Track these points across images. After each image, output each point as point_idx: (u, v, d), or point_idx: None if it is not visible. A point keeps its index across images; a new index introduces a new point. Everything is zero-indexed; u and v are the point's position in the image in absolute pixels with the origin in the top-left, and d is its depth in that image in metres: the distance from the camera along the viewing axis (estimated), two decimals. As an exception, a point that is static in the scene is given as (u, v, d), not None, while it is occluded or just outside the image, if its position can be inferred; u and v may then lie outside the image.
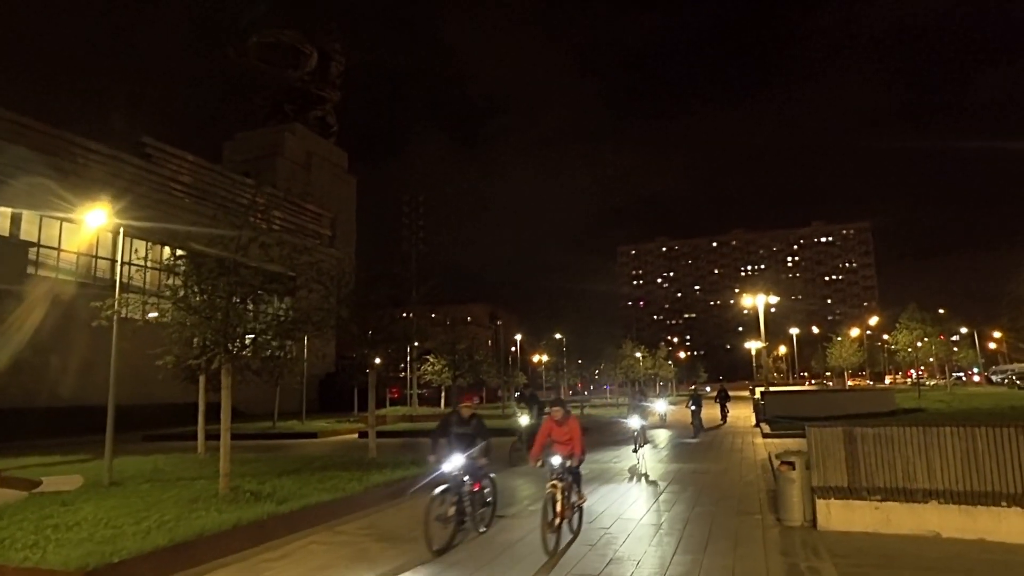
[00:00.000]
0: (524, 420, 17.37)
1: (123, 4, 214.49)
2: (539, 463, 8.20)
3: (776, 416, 24.83)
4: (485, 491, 8.84)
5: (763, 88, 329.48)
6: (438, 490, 7.95)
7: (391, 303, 19.26)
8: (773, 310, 52.74)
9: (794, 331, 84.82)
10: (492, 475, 9.12)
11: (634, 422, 16.78)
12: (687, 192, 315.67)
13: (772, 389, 37.11)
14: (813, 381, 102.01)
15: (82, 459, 17.94)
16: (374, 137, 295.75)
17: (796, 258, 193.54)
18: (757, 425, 26.43)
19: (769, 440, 20.57)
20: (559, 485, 7.75)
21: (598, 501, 11.06)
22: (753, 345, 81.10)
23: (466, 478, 8.35)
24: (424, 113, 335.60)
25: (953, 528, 7.73)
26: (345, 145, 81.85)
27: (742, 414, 33.75)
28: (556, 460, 8.01)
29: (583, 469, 8.86)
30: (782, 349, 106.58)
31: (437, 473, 8.37)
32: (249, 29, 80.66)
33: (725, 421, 28.64)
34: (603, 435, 23.39)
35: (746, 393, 59.71)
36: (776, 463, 9.42)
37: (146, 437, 27.62)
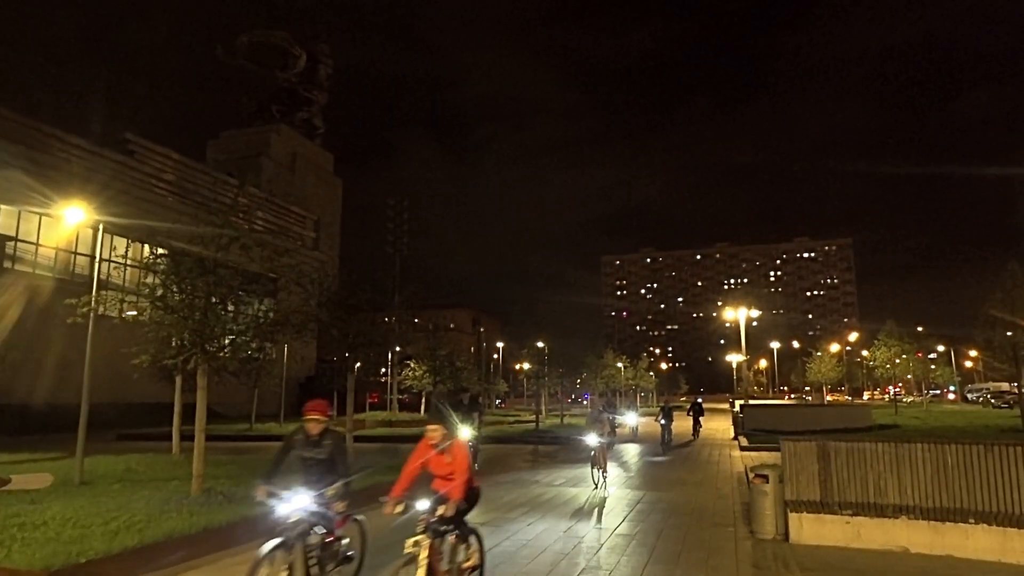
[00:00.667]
0: (466, 433, 13.61)
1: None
2: (400, 509, 5.47)
3: (754, 429, 25.03)
4: (343, 542, 6.27)
5: (747, 104, 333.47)
6: (268, 547, 5.48)
7: (372, 307, 19.23)
8: (755, 324, 53.25)
9: (775, 345, 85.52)
10: (359, 518, 6.72)
11: (591, 439, 13.94)
12: (672, 205, 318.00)
13: (751, 402, 37.40)
14: (792, 396, 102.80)
15: (53, 457, 17.69)
16: (361, 140, 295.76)
17: (779, 273, 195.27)
18: (735, 438, 26.59)
19: (746, 453, 20.70)
20: (425, 542, 5.26)
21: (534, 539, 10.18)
22: (734, 358, 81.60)
23: (315, 526, 5.87)
24: (412, 118, 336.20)
25: (922, 544, 7.82)
26: (332, 148, 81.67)
27: (721, 427, 33.94)
28: (422, 504, 5.47)
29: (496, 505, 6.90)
30: (763, 363, 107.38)
31: (271, 518, 5.89)
32: (238, 28, 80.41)
33: (697, 436, 27.02)
34: (566, 450, 21.68)
35: (726, 406, 60.08)
36: (751, 476, 9.49)
37: (120, 436, 27.25)
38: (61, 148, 39.99)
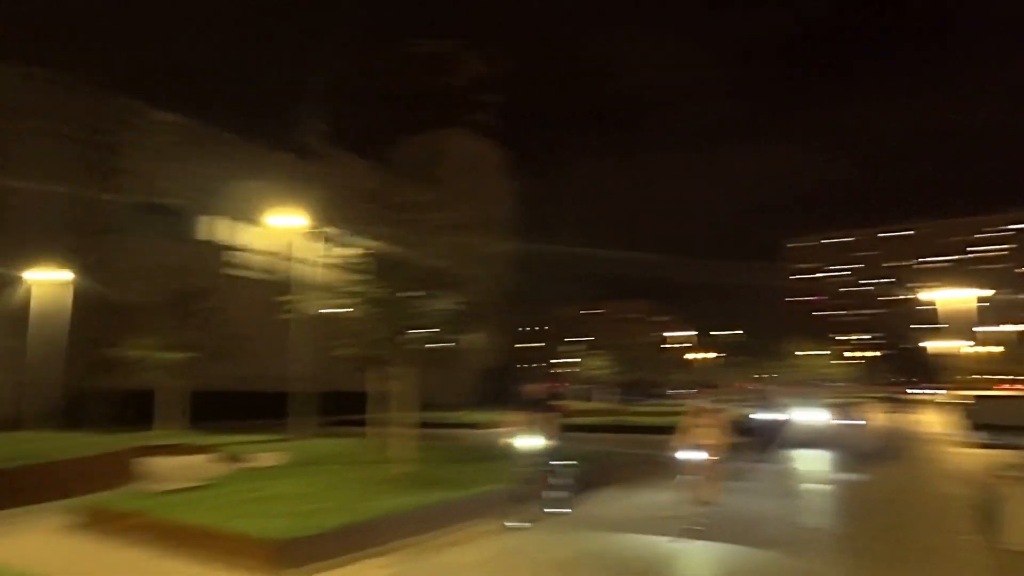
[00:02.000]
0: (535, 442, 10.35)
1: (298, 24, 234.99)
2: None
3: (984, 423, 22.11)
4: None
5: (936, 67, 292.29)
6: None
7: (558, 299, 19.41)
8: (981, 304, 47.08)
9: (1005, 328, 75.29)
10: None
11: (687, 453, 9.19)
12: (861, 181, 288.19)
13: (984, 393, 33.18)
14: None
15: (279, 438, 19.73)
16: (531, 140, 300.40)
17: (1004, 246, 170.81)
18: (962, 433, 23.61)
19: (977, 451, 18.34)
20: None
21: None
22: (948, 344, 72.94)
23: None
24: (577, 115, 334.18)
25: None
26: (505, 147, 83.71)
27: (936, 420, 30.40)
28: None
29: None
30: (985, 348, 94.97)
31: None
32: (406, 40, 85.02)
33: (899, 438, 22.26)
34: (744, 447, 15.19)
35: (942, 397, 53.93)
36: (996, 478, 8.28)
37: (337, 422, 29.81)
38: (270, 164, 44.93)
